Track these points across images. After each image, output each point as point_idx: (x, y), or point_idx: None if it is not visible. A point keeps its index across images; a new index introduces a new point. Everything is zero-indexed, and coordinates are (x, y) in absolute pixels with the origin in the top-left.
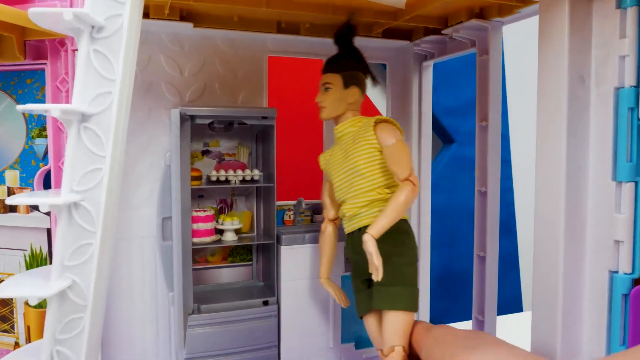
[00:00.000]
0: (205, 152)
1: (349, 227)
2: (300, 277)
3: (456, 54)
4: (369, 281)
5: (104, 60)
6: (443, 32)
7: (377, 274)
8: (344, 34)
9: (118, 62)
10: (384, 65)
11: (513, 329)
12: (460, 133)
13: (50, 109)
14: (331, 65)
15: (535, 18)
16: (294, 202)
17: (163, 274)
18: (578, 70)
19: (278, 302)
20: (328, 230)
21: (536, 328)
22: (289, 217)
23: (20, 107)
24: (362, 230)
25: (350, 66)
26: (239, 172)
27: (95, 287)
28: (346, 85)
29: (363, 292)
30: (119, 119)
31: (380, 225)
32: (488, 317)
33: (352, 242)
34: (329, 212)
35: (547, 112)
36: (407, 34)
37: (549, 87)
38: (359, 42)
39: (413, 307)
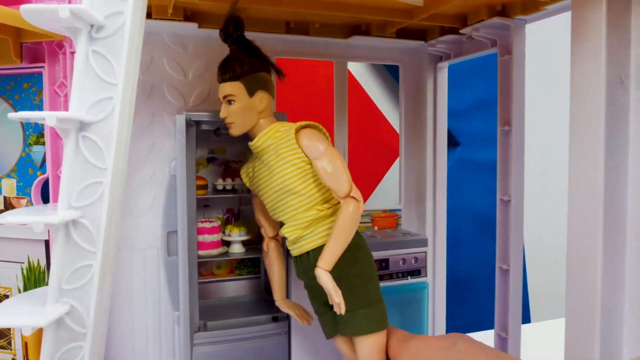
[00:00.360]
0: (210, 160)
1: (295, 251)
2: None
3: (474, 55)
4: (328, 304)
5: (104, 63)
6: (461, 31)
7: (340, 309)
8: (231, 31)
9: (120, 65)
10: (390, 67)
11: (523, 341)
12: (465, 135)
13: (46, 117)
14: (227, 73)
15: (556, 16)
16: None
17: (168, 291)
18: (616, 71)
19: (288, 318)
20: (271, 249)
21: (571, 334)
22: None
23: (13, 115)
24: (310, 253)
25: (249, 69)
26: None
27: (95, 312)
28: (251, 92)
29: (326, 314)
30: (121, 128)
31: (330, 256)
32: (512, 334)
33: (302, 266)
34: (267, 231)
35: (582, 116)
36: (421, 34)
37: (583, 89)
38: (371, 42)
39: (383, 325)
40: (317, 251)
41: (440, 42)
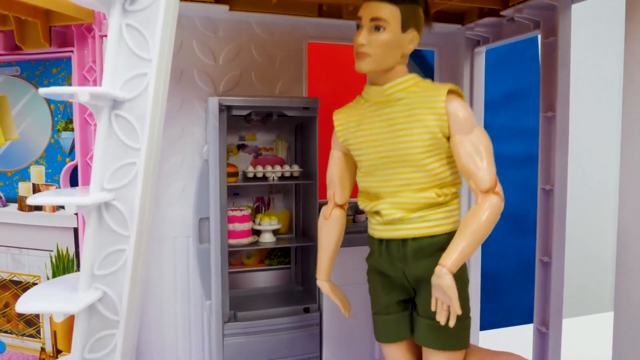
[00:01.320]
0: (240, 147)
1: (386, 233)
2: (343, 282)
3: (515, 38)
4: (405, 302)
5: (139, 37)
6: (502, 13)
7: (453, 318)
8: None
9: (154, 39)
10: (413, 54)
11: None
12: (494, 128)
13: (78, 92)
14: None
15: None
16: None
17: (200, 280)
18: None
19: (320, 310)
20: (335, 217)
21: (620, 329)
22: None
23: (44, 91)
24: (410, 241)
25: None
26: (277, 167)
27: (129, 299)
28: (405, 26)
29: (395, 314)
30: (155, 106)
31: (462, 256)
32: (553, 329)
33: (389, 252)
34: (339, 195)
35: (636, 103)
36: (458, 17)
37: (638, 78)
38: None
39: (467, 344)
40: (421, 241)
41: (478, 26)
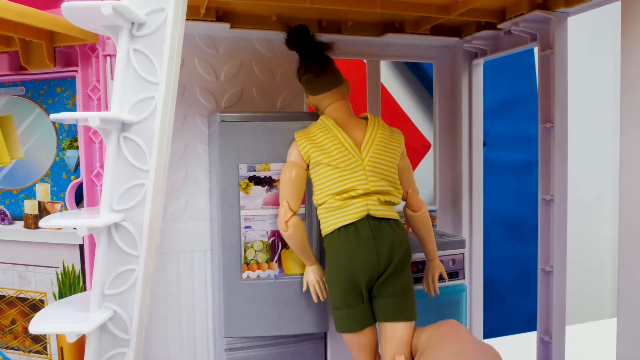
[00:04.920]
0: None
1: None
2: None
3: (512, 50)
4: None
5: (146, 61)
6: (499, 26)
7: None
8: (289, 39)
9: (161, 63)
10: (412, 65)
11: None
12: (491, 136)
13: (89, 117)
14: None
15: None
16: None
17: (204, 295)
18: None
19: (326, 327)
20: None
21: (623, 336)
22: None
23: (55, 116)
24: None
25: (297, 75)
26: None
27: (139, 318)
28: (305, 94)
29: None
30: (162, 128)
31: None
32: (556, 338)
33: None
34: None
35: (634, 112)
36: (456, 30)
37: (635, 86)
38: (405, 40)
39: (338, 329)
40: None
41: (476, 38)
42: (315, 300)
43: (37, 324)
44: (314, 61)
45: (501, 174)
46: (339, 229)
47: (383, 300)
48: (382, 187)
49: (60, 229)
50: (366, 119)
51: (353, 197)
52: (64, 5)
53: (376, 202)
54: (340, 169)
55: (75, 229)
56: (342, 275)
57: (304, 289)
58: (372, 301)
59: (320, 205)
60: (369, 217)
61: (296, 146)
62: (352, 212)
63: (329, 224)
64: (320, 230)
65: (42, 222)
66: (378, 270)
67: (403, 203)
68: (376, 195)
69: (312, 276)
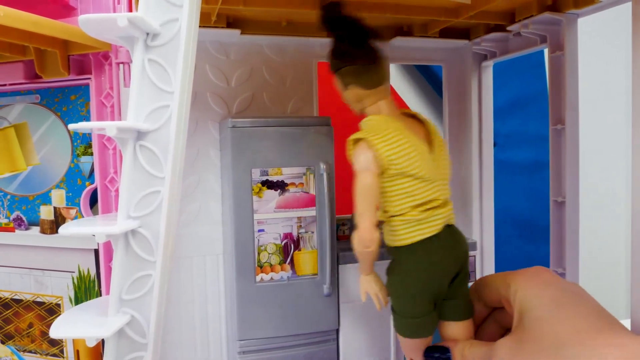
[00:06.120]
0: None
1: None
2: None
3: (521, 52)
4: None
5: (161, 71)
6: (509, 28)
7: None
8: (329, 16)
9: (175, 72)
10: (420, 67)
11: None
12: (500, 136)
13: (106, 127)
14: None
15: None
16: (349, 216)
17: (218, 299)
18: None
19: (337, 325)
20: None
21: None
22: (344, 232)
23: (74, 126)
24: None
25: (334, 64)
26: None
27: (156, 322)
28: (345, 85)
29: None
30: (177, 136)
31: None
32: None
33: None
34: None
35: None
36: (465, 33)
37: None
38: (414, 43)
39: (408, 334)
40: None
41: (485, 41)
42: (379, 309)
43: (58, 329)
44: (370, 49)
45: (512, 173)
46: (421, 240)
47: (455, 302)
48: (449, 193)
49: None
50: (411, 116)
51: (435, 208)
52: (80, 17)
53: (452, 210)
54: (422, 179)
55: (94, 235)
56: (421, 285)
57: (364, 299)
58: (441, 304)
59: (396, 217)
60: (446, 226)
61: (371, 149)
62: (435, 224)
63: (407, 236)
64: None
65: (61, 230)
66: (454, 274)
67: None
68: (450, 203)
69: (374, 286)
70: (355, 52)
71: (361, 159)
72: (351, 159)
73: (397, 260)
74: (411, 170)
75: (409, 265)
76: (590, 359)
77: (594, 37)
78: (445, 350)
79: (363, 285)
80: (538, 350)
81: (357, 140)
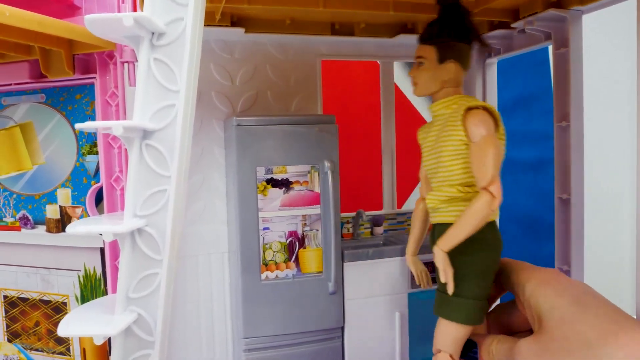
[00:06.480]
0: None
1: (432, 219)
2: (365, 295)
3: (525, 49)
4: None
5: (166, 70)
6: (513, 25)
7: (449, 288)
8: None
9: (181, 71)
10: None
11: None
12: (505, 133)
13: (113, 126)
14: (426, 34)
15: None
16: (352, 214)
17: (223, 297)
18: None
19: (343, 323)
20: (419, 207)
21: None
22: (348, 230)
23: (80, 126)
24: (439, 226)
25: (447, 34)
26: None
27: (163, 320)
28: (441, 59)
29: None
30: (183, 134)
31: (451, 240)
32: None
33: (432, 236)
34: (423, 190)
35: None
36: None
37: None
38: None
39: (465, 320)
40: (444, 227)
41: (489, 37)
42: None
43: (66, 327)
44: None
45: (516, 171)
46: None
47: None
48: None
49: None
50: None
51: None
52: (86, 17)
53: None
54: None
55: (101, 234)
56: (495, 264)
57: (445, 279)
58: None
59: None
60: None
61: (492, 117)
62: None
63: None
64: None
65: (68, 229)
66: None
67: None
68: None
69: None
70: (475, 31)
71: (490, 124)
72: (470, 126)
73: (479, 237)
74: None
75: (492, 241)
76: (621, 357)
77: (599, 34)
78: (471, 346)
79: (444, 260)
80: (566, 351)
81: (474, 108)
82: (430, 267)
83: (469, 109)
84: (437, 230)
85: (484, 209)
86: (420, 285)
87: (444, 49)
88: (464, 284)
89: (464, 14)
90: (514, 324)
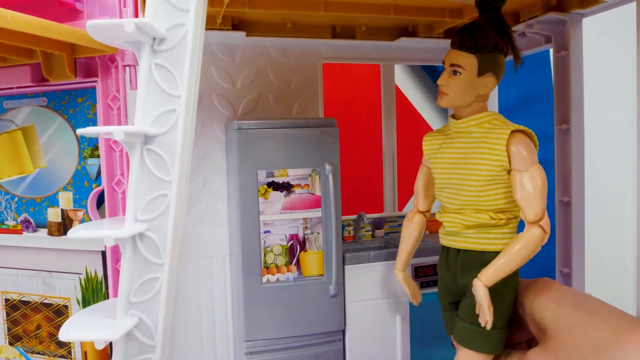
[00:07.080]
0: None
1: (446, 241)
2: (366, 298)
3: (526, 52)
4: (455, 304)
5: (167, 75)
6: (513, 28)
7: (487, 324)
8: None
9: (182, 77)
10: (427, 67)
11: None
12: None
13: (114, 131)
14: (467, 41)
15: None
16: (353, 216)
17: (224, 299)
18: None
19: (344, 325)
20: (415, 220)
21: None
22: (349, 233)
23: (82, 131)
24: (461, 252)
25: (491, 44)
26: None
27: (164, 324)
28: (481, 71)
29: (447, 312)
30: (184, 139)
31: (496, 273)
32: None
33: (447, 258)
34: (421, 203)
35: None
36: None
37: None
38: (418, 43)
39: (494, 350)
40: (470, 254)
41: None
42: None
43: (67, 332)
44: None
45: None
46: None
47: None
48: None
49: None
50: None
51: None
52: (88, 23)
53: None
54: None
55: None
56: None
57: (490, 316)
58: None
59: (515, 219)
60: None
61: (534, 145)
62: None
63: None
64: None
65: (70, 234)
66: None
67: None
68: None
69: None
70: (515, 44)
71: (534, 152)
72: (514, 153)
73: None
74: None
75: (516, 271)
76: (636, 355)
77: (601, 36)
78: None
79: (486, 296)
80: (579, 357)
81: (516, 131)
82: (431, 270)
83: (514, 132)
84: (461, 257)
85: (535, 245)
86: (414, 302)
87: (486, 61)
88: (497, 315)
89: (506, 24)
90: (512, 337)
